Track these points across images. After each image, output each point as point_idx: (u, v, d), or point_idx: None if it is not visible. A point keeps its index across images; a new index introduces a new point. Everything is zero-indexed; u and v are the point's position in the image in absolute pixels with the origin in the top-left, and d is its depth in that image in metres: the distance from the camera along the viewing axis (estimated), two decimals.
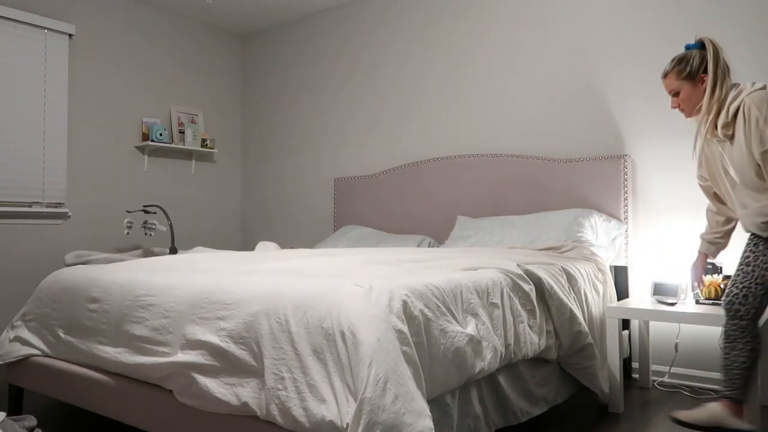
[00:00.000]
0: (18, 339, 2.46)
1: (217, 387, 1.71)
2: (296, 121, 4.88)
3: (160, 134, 4.47)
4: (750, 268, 2.13)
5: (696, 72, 2.17)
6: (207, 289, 1.89)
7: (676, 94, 2.22)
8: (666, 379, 3.08)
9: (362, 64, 4.44)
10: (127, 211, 4.18)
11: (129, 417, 2.01)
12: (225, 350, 1.72)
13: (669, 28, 3.14)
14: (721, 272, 2.70)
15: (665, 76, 2.24)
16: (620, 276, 3.11)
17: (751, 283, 2.11)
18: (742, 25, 2.93)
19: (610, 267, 3.04)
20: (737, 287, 2.14)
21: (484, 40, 3.83)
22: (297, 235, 4.84)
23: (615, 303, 2.78)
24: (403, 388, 1.44)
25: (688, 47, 2.22)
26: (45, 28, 3.92)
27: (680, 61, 2.20)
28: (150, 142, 4.41)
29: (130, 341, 2.02)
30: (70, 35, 4.08)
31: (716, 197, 2.38)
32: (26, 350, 2.41)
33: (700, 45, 2.19)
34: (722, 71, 2.13)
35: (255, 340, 1.67)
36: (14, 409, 2.56)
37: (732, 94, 2.10)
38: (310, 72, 4.79)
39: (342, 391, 1.48)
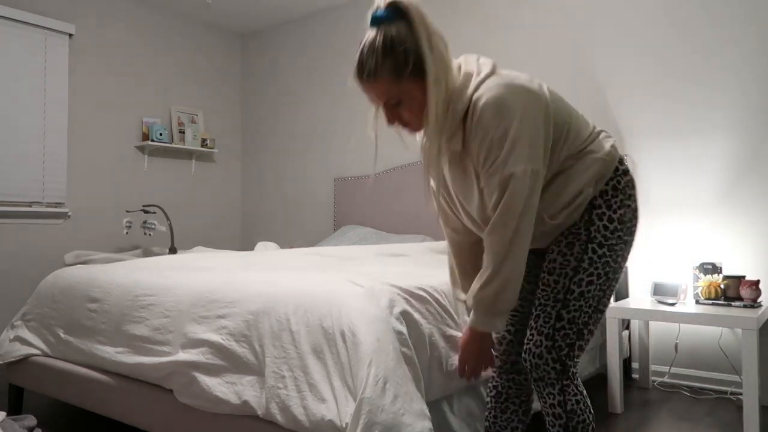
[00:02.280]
0: (18, 339, 2.46)
1: (217, 386, 1.71)
2: (296, 121, 4.88)
3: (160, 134, 4.47)
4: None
5: (422, 63, 1.28)
6: (207, 288, 1.89)
7: (396, 103, 1.35)
8: (666, 379, 3.08)
9: None
10: (127, 211, 4.18)
11: (129, 417, 2.01)
12: (226, 348, 1.72)
13: (669, 27, 3.14)
14: (721, 272, 2.71)
15: (373, 78, 1.33)
16: (620, 276, 3.10)
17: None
18: (740, 25, 2.93)
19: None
20: None
21: (482, 39, 3.82)
22: (297, 235, 4.84)
23: (615, 303, 2.78)
24: (402, 388, 1.44)
25: (379, 17, 1.34)
26: (45, 28, 3.92)
27: (390, 51, 1.29)
28: (150, 142, 4.41)
29: (130, 341, 2.02)
30: (70, 35, 4.08)
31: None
32: (26, 350, 2.41)
33: (396, 12, 1.31)
34: (448, 56, 1.32)
35: (256, 339, 1.67)
36: (14, 409, 2.56)
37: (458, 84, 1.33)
38: (310, 72, 4.79)
39: (342, 390, 1.48)
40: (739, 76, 2.93)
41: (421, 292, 1.72)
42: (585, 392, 1.43)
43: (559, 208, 1.37)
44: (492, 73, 1.33)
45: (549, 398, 1.41)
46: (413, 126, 1.39)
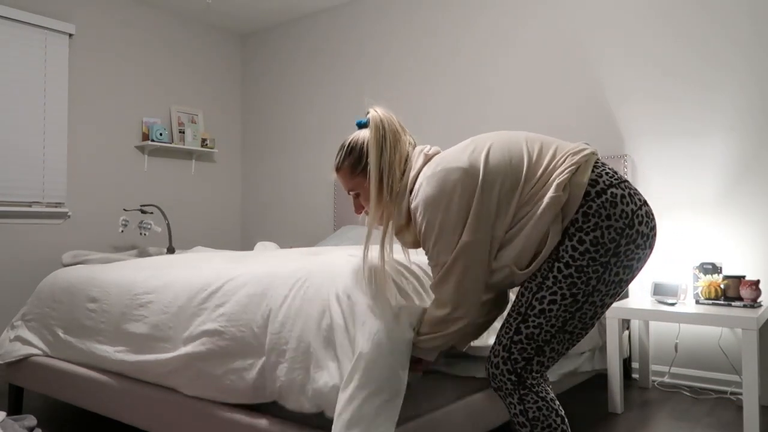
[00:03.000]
0: (18, 339, 2.46)
1: (223, 373, 1.71)
2: (296, 121, 4.88)
3: (160, 134, 4.47)
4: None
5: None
6: (205, 281, 1.90)
7: (357, 194, 1.64)
8: (666, 379, 3.08)
9: (362, 63, 4.44)
10: (124, 210, 4.18)
11: (129, 416, 2.01)
12: (226, 335, 1.72)
13: (669, 28, 3.14)
14: (721, 272, 2.70)
15: (338, 170, 1.63)
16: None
17: None
18: (739, 26, 2.93)
19: None
20: None
21: (483, 41, 3.82)
22: (297, 235, 4.84)
23: (615, 303, 2.78)
24: (398, 345, 1.46)
25: (359, 124, 1.64)
26: (45, 28, 3.92)
27: (352, 151, 1.59)
28: (150, 142, 4.41)
29: (131, 340, 2.02)
30: (70, 35, 4.08)
31: None
32: (26, 350, 2.41)
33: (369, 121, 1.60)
34: (390, 152, 1.52)
35: (254, 320, 1.68)
36: (14, 409, 2.56)
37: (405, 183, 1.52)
38: (310, 72, 4.79)
39: (343, 352, 1.50)
40: (739, 78, 2.93)
41: (415, 267, 1.76)
42: (549, 396, 1.43)
43: (528, 259, 1.38)
44: (423, 165, 1.51)
45: (511, 408, 1.44)
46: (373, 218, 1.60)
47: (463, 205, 1.37)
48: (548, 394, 1.43)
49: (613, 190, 1.34)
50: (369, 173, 1.52)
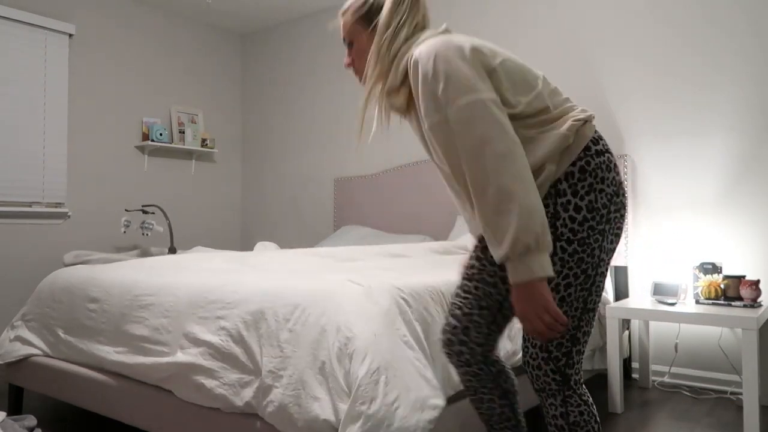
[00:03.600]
0: (18, 339, 2.46)
1: (216, 387, 1.71)
2: (296, 121, 4.88)
3: (160, 134, 4.47)
4: (472, 284, 1.42)
5: (376, 13, 1.45)
6: (206, 288, 1.89)
7: (351, 43, 1.50)
8: (666, 379, 3.08)
9: None
10: (126, 210, 4.19)
11: (129, 417, 2.01)
12: (225, 349, 1.72)
13: (669, 28, 3.14)
14: (721, 272, 2.70)
15: (342, 14, 1.52)
16: (620, 276, 3.11)
17: (473, 309, 1.41)
18: (739, 26, 2.93)
19: (610, 267, 3.04)
20: (455, 317, 1.43)
21: (482, 39, 3.82)
22: (297, 235, 4.84)
23: (615, 303, 2.78)
24: (399, 380, 1.45)
25: None
26: (45, 28, 3.92)
27: None
28: (150, 142, 4.41)
29: (130, 341, 2.02)
30: (70, 35, 4.08)
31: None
32: (26, 350, 2.41)
33: None
34: (406, 11, 1.42)
35: (254, 339, 1.67)
36: (14, 409, 2.56)
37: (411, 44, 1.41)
38: (310, 72, 4.79)
39: (337, 387, 1.49)
40: (739, 78, 2.93)
41: (421, 292, 1.72)
42: (590, 400, 1.36)
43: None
44: (438, 34, 1.38)
45: (551, 409, 1.35)
46: (357, 73, 1.50)
47: (469, 65, 1.26)
48: (589, 397, 1.36)
49: (609, 155, 1.31)
50: (377, 26, 1.41)
